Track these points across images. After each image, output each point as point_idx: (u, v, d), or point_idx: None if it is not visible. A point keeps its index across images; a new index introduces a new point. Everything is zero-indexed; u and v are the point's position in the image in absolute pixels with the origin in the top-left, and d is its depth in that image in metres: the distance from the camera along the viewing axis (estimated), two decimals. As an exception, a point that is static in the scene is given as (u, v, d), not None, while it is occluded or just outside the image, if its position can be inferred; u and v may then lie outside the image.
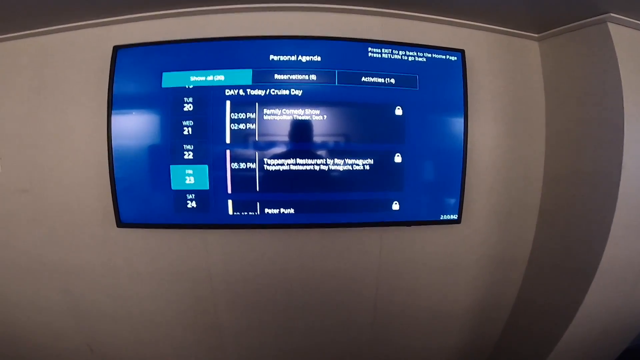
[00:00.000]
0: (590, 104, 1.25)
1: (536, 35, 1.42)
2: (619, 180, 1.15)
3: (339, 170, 1.26)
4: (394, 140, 1.28)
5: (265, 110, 1.22)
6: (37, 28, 1.29)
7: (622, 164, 1.14)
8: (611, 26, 1.17)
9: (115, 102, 1.21)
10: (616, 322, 1.41)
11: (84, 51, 1.30)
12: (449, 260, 1.49)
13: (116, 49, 1.21)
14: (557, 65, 1.38)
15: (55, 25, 1.28)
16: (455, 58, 1.31)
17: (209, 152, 1.22)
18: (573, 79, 1.32)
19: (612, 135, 1.17)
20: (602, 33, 1.19)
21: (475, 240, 1.48)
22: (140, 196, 1.24)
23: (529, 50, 1.44)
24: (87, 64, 1.30)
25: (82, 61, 1.30)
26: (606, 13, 1.15)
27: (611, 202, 1.17)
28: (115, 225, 1.25)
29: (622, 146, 1.14)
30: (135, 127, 1.22)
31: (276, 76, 1.23)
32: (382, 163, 1.28)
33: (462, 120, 1.31)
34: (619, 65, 1.14)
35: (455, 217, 1.35)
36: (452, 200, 1.34)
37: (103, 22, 1.28)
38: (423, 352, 1.64)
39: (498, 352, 1.68)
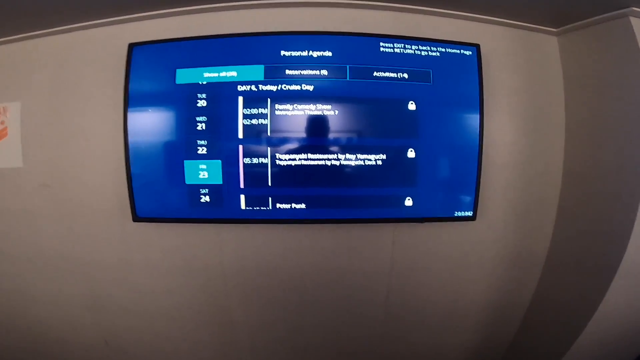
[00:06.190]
0: (612, 98, 1.22)
1: (555, 29, 1.39)
2: (642, 175, 1.11)
3: (351, 166, 1.26)
4: (407, 135, 1.27)
5: (277, 106, 1.23)
6: (54, 27, 1.32)
7: (645, 159, 1.11)
8: (633, 20, 1.14)
9: (131, 99, 1.23)
10: (637, 324, 1.36)
11: (100, 49, 1.32)
12: (464, 257, 1.47)
13: (131, 46, 1.24)
14: (578, 60, 1.35)
15: (71, 24, 1.31)
16: (470, 53, 1.28)
17: (222, 148, 1.24)
18: (594, 73, 1.29)
19: (634, 130, 1.14)
20: (624, 27, 1.16)
21: (491, 237, 1.46)
22: (155, 191, 1.27)
23: (547, 45, 1.40)
24: (103, 61, 1.32)
25: (98, 59, 1.33)
26: (627, 7, 1.12)
27: (633, 199, 1.13)
28: (132, 219, 1.28)
29: (645, 141, 1.10)
30: (150, 123, 1.24)
31: (288, 72, 1.23)
32: (395, 158, 1.27)
33: (477, 115, 1.29)
34: (643, 58, 1.11)
35: (470, 213, 1.33)
36: (467, 197, 1.32)
37: (118, 20, 1.30)
38: (435, 349, 1.63)
39: (513, 350, 1.65)
